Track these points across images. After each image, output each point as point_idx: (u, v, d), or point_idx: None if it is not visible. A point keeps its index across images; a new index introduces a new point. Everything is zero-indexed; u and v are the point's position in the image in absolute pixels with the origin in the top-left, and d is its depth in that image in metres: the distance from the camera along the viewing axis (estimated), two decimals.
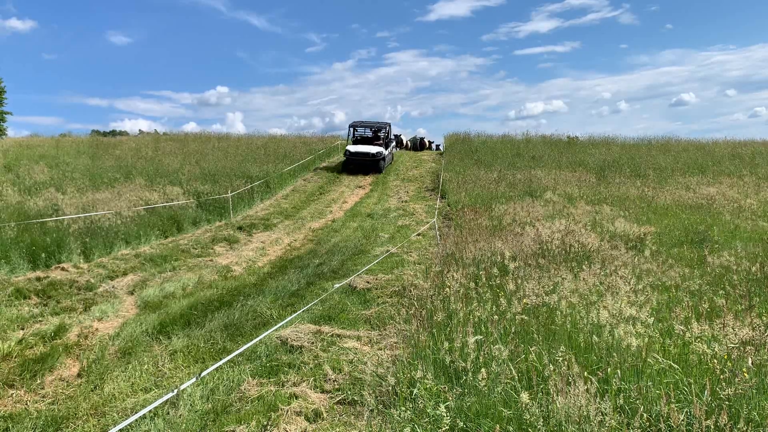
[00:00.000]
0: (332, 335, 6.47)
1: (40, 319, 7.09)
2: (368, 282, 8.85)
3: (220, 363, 5.35)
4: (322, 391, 5.02)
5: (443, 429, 3.93)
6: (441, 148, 36.89)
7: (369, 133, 28.39)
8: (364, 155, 24.79)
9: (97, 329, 6.72)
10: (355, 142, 27.33)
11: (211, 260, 11.08)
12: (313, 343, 6.19)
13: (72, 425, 4.44)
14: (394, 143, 29.38)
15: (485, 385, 4.26)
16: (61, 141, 28.90)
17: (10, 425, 4.37)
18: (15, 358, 5.67)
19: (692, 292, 6.88)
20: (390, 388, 4.72)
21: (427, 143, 43.27)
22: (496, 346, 4.77)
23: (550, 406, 3.92)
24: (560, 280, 6.88)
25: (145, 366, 5.59)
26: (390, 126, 28.60)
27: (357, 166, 24.74)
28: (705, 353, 4.55)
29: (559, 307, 5.91)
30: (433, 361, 4.92)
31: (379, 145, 26.07)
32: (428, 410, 4.16)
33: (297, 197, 20.16)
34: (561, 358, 4.48)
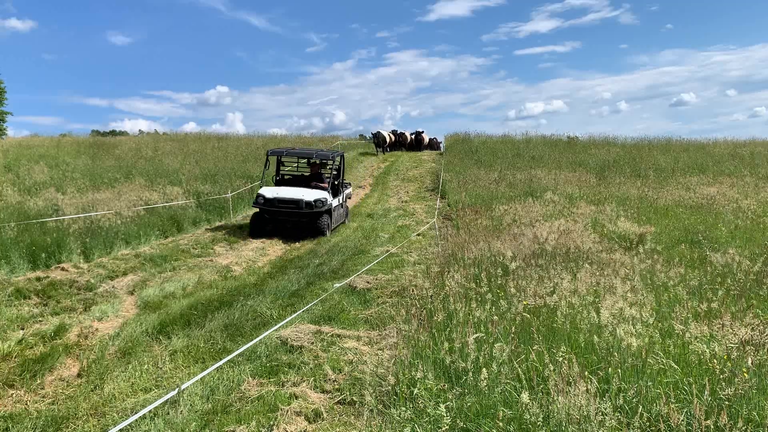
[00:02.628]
0: (332, 335, 6.47)
1: (40, 319, 7.08)
2: (368, 282, 8.85)
3: (220, 363, 5.35)
4: (322, 391, 5.02)
5: (443, 429, 3.93)
6: (442, 147, 35.83)
7: (306, 169, 16.68)
8: (292, 204, 13.66)
9: (97, 329, 6.71)
10: (280, 182, 15.60)
11: (211, 260, 11.07)
12: (313, 343, 6.19)
13: (72, 425, 4.44)
14: (350, 189, 17.12)
15: (485, 385, 4.26)
16: (61, 141, 28.88)
17: (10, 425, 4.37)
18: (15, 358, 5.66)
19: (692, 291, 6.88)
20: (390, 388, 4.72)
21: (424, 140, 36.10)
22: (497, 345, 4.77)
23: (550, 406, 3.92)
24: (560, 280, 6.88)
25: (145, 366, 5.59)
26: (342, 158, 16.40)
27: (279, 222, 13.86)
28: (704, 353, 4.55)
29: (559, 307, 5.91)
30: (433, 361, 4.92)
31: (322, 188, 14.56)
32: (428, 410, 4.16)
33: None
34: (561, 358, 4.48)
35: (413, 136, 36.31)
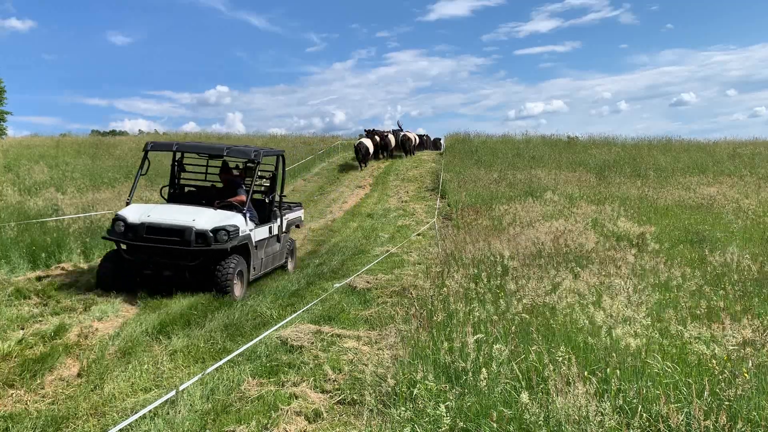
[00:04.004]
0: (332, 335, 6.47)
1: (40, 319, 7.08)
2: (368, 282, 8.86)
3: (220, 363, 5.35)
4: (322, 391, 5.02)
5: (443, 429, 3.93)
6: (442, 146, 34.57)
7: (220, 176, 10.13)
8: (172, 235, 7.93)
9: (97, 329, 6.71)
10: (176, 197, 10.24)
11: None
12: (313, 343, 6.19)
13: (72, 425, 4.43)
14: (299, 213, 11.26)
15: (485, 385, 4.26)
16: (61, 141, 28.90)
17: (10, 425, 4.37)
18: (15, 358, 5.66)
19: (692, 292, 6.88)
20: (390, 388, 4.72)
21: (412, 141, 29.02)
22: (497, 346, 4.77)
23: (549, 406, 3.92)
24: (560, 280, 6.89)
25: (145, 366, 5.58)
26: (282, 160, 10.40)
27: (148, 267, 8.13)
28: (704, 354, 4.55)
29: (559, 307, 5.92)
30: (433, 361, 4.92)
31: (234, 207, 8.74)
32: (428, 410, 4.16)
33: (297, 198, 20.15)
34: (561, 359, 4.49)
35: (402, 136, 29.15)
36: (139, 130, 49.19)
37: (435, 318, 5.83)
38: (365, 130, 29.26)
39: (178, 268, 8.07)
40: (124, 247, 8.15)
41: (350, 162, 27.31)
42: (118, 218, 8.28)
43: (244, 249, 8.51)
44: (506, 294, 6.53)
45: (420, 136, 33.30)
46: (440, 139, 35.19)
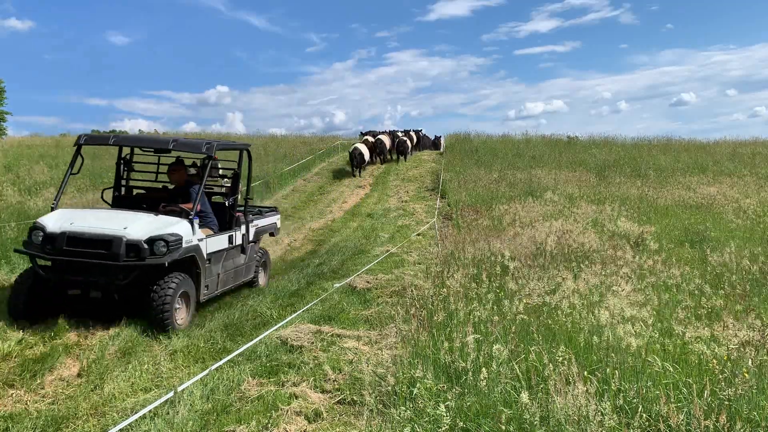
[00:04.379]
0: (332, 335, 6.47)
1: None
2: (368, 282, 8.85)
3: (220, 363, 5.35)
4: (322, 391, 5.02)
5: (443, 429, 3.93)
6: (442, 145, 34.21)
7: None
8: (99, 247, 6.31)
9: (97, 329, 6.70)
10: (120, 201, 8.56)
11: None
12: (313, 342, 6.19)
13: (72, 425, 4.44)
14: (275, 218, 9.67)
15: (485, 385, 4.26)
16: (61, 141, 28.91)
17: (10, 425, 4.37)
18: (15, 358, 5.67)
19: (692, 292, 6.89)
20: (390, 387, 4.72)
21: (408, 146, 27.52)
22: (496, 346, 4.77)
23: (549, 406, 3.92)
24: (561, 280, 6.89)
25: (145, 366, 5.59)
26: (247, 156, 8.65)
27: (67, 287, 6.59)
28: (704, 354, 4.55)
29: (560, 307, 5.92)
30: (433, 360, 4.92)
31: (184, 212, 7.07)
32: (428, 410, 4.16)
33: (297, 197, 20.16)
34: (561, 358, 4.49)
35: (398, 140, 27.57)
36: (139, 130, 49.08)
37: (435, 318, 5.83)
38: (361, 133, 28.23)
39: (107, 288, 6.54)
40: (42, 262, 6.69)
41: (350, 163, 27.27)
42: (36, 227, 6.73)
43: (191, 263, 6.99)
44: (506, 294, 6.54)
45: (420, 134, 32.12)
46: (440, 138, 34.02)
